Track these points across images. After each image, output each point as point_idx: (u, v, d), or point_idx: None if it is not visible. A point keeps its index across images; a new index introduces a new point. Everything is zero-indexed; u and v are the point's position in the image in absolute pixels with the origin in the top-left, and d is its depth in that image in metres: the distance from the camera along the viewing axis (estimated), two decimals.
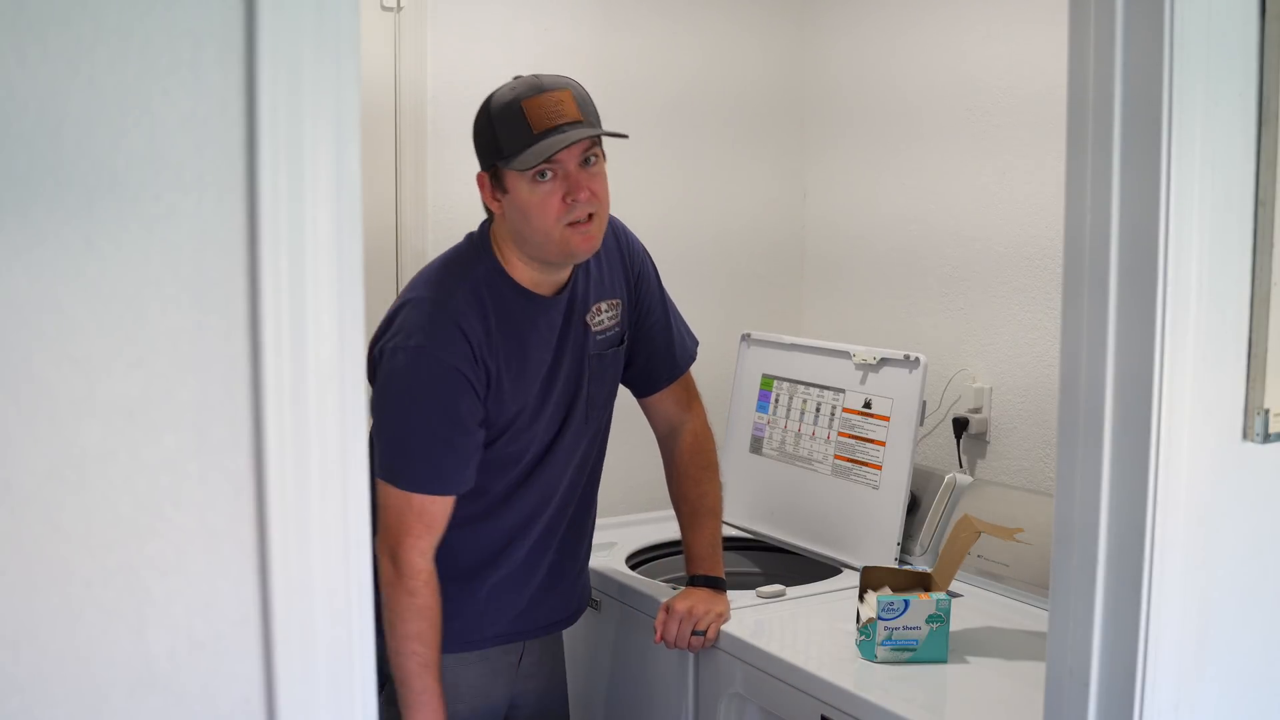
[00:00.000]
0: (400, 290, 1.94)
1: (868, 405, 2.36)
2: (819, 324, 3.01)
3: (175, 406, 0.87)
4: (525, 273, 1.83)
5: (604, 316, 1.93)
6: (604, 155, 1.82)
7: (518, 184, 1.75)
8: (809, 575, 2.33)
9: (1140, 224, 1.21)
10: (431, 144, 2.56)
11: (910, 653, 1.86)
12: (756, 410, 2.61)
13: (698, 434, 2.10)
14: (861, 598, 1.95)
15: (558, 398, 1.89)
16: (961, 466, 2.55)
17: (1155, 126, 1.19)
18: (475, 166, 1.83)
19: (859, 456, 2.36)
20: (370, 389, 1.77)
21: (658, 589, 2.19)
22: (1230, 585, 1.32)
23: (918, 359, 2.28)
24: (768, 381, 2.60)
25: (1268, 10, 1.24)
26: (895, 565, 2.23)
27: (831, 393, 2.44)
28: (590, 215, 1.76)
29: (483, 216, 1.90)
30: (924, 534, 2.31)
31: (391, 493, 1.76)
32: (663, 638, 1.99)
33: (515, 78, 1.80)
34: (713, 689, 2.02)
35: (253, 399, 0.89)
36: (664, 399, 2.09)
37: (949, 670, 1.85)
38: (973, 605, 2.11)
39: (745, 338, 2.66)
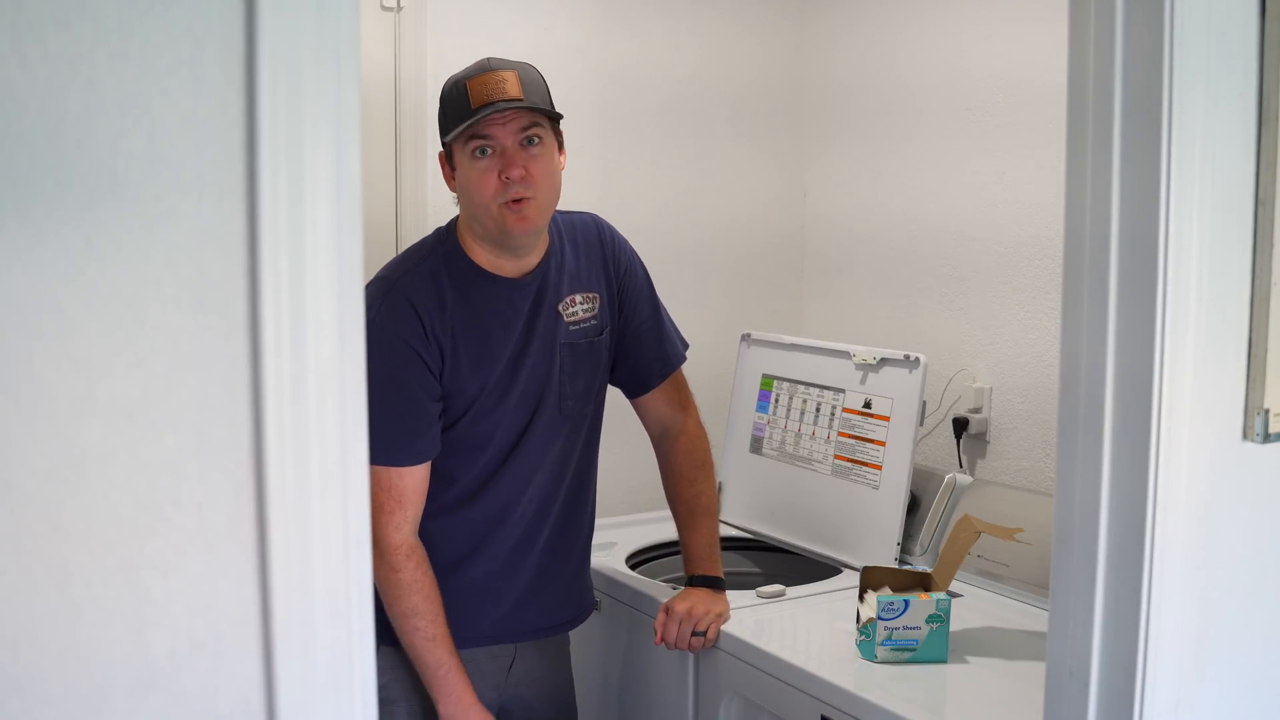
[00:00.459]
0: None
1: (868, 405, 2.36)
2: (819, 324, 3.01)
3: (175, 406, 0.87)
4: (483, 255, 1.87)
5: (578, 308, 1.95)
6: (557, 143, 1.85)
7: (461, 160, 1.82)
8: (809, 575, 2.33)
9: (1140, 224, 1.21)
10: (431, 144, 2.56)
11: (910, 653, 1.86)
12: (756, 410, 2.61)
13: (691, 434, 2.11)
14: (861, 598, 1.95)
15: (526, 382, 1.89)
16: (961, 466, 2.55)
17: (1155, 126, 1.19)
18: None
19: (859, 456, 2.36)
20: None
21: (657, 589, 2.19)
22: (1230, 585, 1.32)
23: (918, 359, 2.28)
24: (768, 381, 2.60)
25: (1268, 10, 1.24)
26: (895, 565, 2.23)
27: (831, 393, 2.44)
28: (527, 198, 1.78)
29: None
30: (924, 534, 2.31)
31: None
32: (663, 639, 1.99)
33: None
34: (713, 689, 2.02)
35: (253, 399, 0.89)
36: (656, 399, 2.09)
37: (949, 670, 1.85)
38: (973, 605, 2.11)
39: (745, 338, 2.66)
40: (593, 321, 1.97)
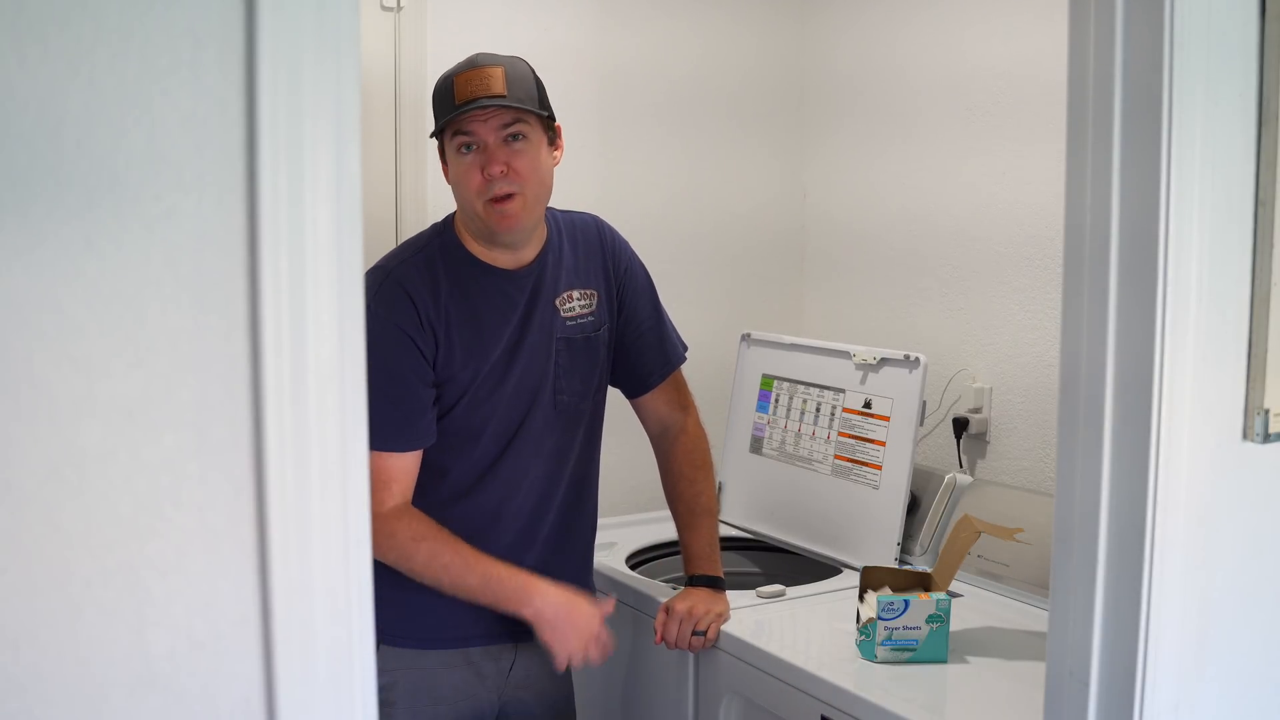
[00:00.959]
0: None
1: (868, 405, 2.36)
2: (819, 323, 3.01)
3: (175, 406, 0.87)
4: (477, 246, 1.89)
5: (576, 304, 1.96)
6: (547, 139, 1.86)
7: (449, 156, 1.85)
8: (809, 575, 2.33)
9: (1140, 224, 1.21)
10: (431, 144, 2.55)
11: (910, 653, 1.86)
12: (756, 410, 2.61)
13: (691, 434, 2.11)
14: (861, 598, 1.95)
15: (521, 375, 1.90)
16: (961, 466, 2.55)
17: (1155, 126, 1.19)
18: None
19: (859, 456, 2.36)
20: None
21: (658, 589, 2.19)
22: (1230, 585, 1.32)
23: (918, 359, 2.28)
24: (768, 381, 2.60)
25: (1268, 10, 1.24)
26: (895, 565, 2.23)
27: (831, 393, 2.44)
28: (511, 195, 1.79)
29: None
30: (924, 534, 2.31)
31: None
32: (663, 638, 1.99)
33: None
34: (713, 689, 2.02)
35: (253, 399, 0.89)
36: (655, 399, 2.09)
37: (949, 670, 1.85)
38: (973, 605, 2.12)
39: (745, 337, 2.66)
40: (590, 318, 1.97)
